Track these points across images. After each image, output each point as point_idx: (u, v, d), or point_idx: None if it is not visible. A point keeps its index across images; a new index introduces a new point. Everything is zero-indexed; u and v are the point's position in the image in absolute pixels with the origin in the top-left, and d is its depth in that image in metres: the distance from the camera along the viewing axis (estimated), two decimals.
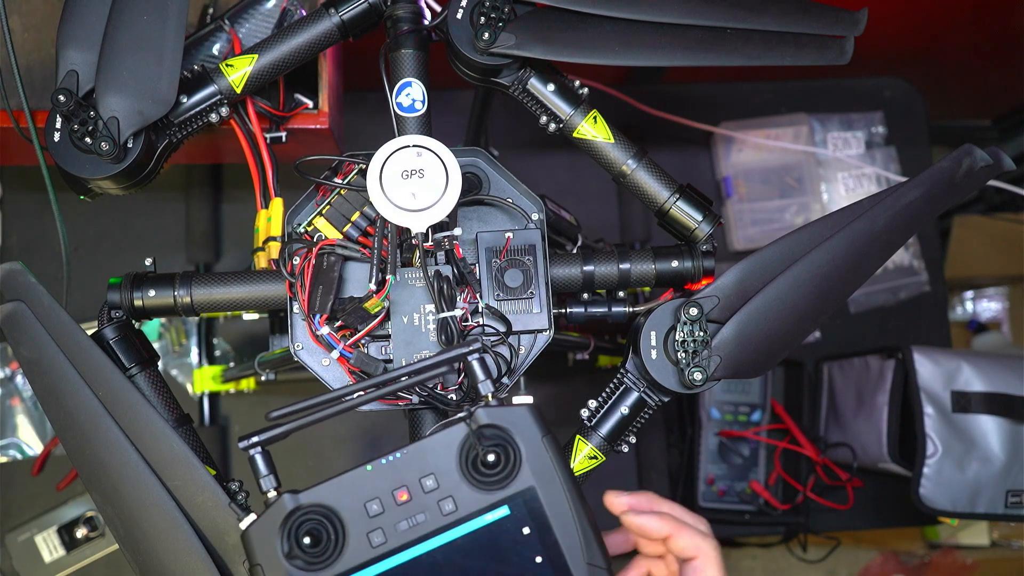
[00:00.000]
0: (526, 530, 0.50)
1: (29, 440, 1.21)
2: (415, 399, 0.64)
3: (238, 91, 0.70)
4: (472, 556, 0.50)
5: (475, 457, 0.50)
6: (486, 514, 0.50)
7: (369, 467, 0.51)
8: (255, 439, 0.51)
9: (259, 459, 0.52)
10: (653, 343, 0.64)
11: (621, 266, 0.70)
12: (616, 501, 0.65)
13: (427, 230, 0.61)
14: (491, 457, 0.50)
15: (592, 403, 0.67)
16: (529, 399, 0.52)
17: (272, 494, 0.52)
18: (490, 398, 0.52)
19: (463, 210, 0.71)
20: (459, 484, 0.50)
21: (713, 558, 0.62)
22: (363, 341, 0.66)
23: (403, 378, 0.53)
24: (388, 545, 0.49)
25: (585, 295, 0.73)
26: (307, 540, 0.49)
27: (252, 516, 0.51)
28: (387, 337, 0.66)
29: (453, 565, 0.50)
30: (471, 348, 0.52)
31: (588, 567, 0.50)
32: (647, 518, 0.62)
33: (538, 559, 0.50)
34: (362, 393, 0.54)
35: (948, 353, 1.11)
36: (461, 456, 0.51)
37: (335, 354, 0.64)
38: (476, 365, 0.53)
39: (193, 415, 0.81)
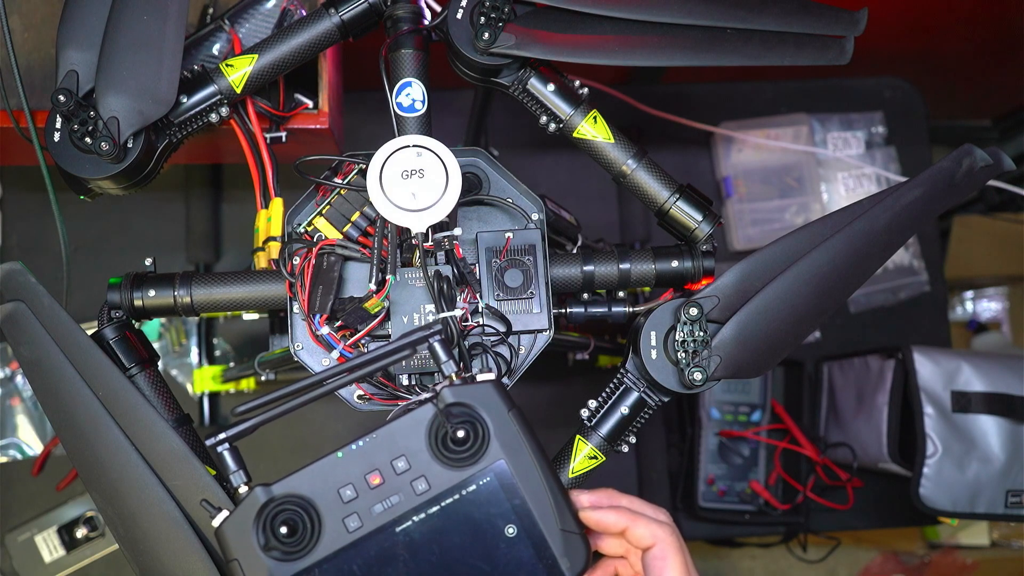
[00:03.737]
0: (499, 502, 0.51)
1: (29, 440, 1.21)
2: (414, 399, 0.64)
3: (238, 91, 0.70)
4: (448, 532, 0.51)
5: (444, 436, 0.51)
6: (459, 490, 0.51)
7: (340, 454, 0.51)
8: (222, 436, 0.51)
9: (227, 455, 0.52)
10: (653, 343, 0.64)
11: (621, 266, 0.70)
12: (577, 499, 0.65)
13: (427, 230, 0.61)
14: (460, 433, 0.50)
15: (592, 403, 0.67)
16: (492, 375, 0.53)
17: (243, 488, 0.52)
18: (454, 378, 0.53)
19: (463, 210, 0.71)
20: (430, 463, 0.51)
21: (671, 543, 0.62)
22: (363, 341, 0.66)
23: (367, 364, 0.54)
24: (364, 529, 0.50)
25: (585, 295, 0.73)
26: (283, 530, 0.49)
27: (224, 512, 0.52)
28: (387, 337, 0.66)
29: (430, 542, 0.51)
30: (432, 331, 0.53)
31: (562, 533, 0.51)
32: (603, 512, 0.63)
33: (513, 530, 0.51)
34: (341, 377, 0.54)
35: (948, 353, 1.11)
36: (430, 436, 0.51)
37: (335, 354, 0.64)
38: (438, 347, 0.53)
39: (193, 415, 0.81)
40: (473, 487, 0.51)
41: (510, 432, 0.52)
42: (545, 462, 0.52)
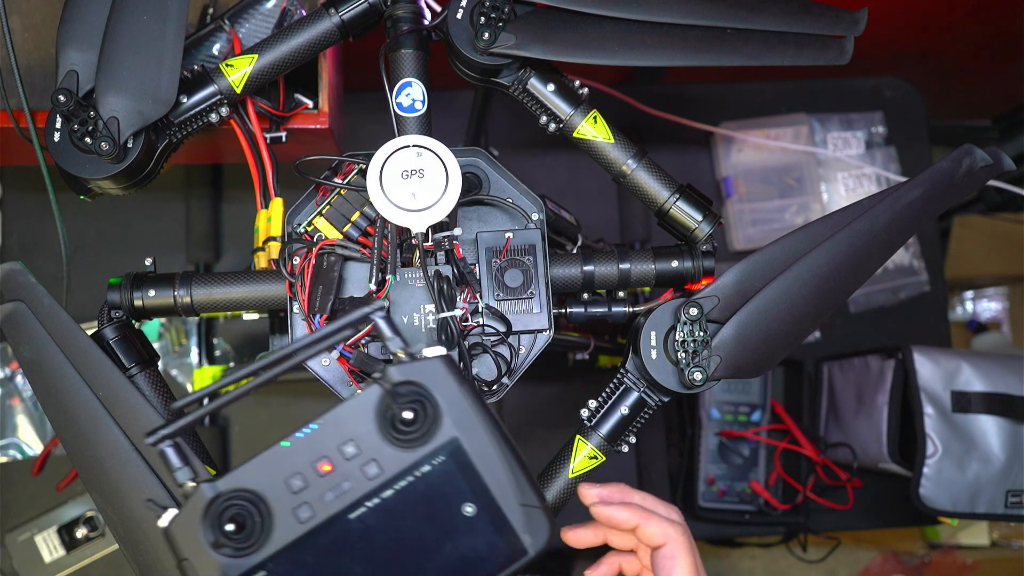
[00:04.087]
0: (455, 481, 0.49)
1: (29, 440, 1.21)
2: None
3: (238, 91, 0.70)
4: (404, 515, 0.49)
5: (393, 417, 0.49)
6: (412, 472, 0.49)
7: (286, 443, 0.49)
8: (161, 432, 0.49)
9: (169, 452, 0.50)
10: (653, 343, 0.64)
11: (621, 266, 0.70)
12: (587, 493, 0.65)
13: (427, 230, 0.61)
14: (408, 414, 0.49)
15: (592, 403, 0.67)
16: (442, 350, 0.51)
17: (190, 485, 0.50)
18: (401, 355, 0.50)
19: (463, 210, 0.71)
20: (381, 446, 0.49)
21: (682, 543, 0.61)
22: (363, 341, 0.66)
23: (305, 349, 0.51)
24: (317, 518, 0.48)
25: (585, 295, 0.73)
26: (231, 527, 0.48)
27: (171, 512, 0.50)
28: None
29: (386, 527, 0.49)
30: (373, 308, 0.50)
31: (522, 508, 0.49)
32: (615, 509, 0.63)
33: (471, 508, 0.49)
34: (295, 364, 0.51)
35: (948, 353, 1.11)
36: (379, 418, 0.49)
37: (335, 354, 0.64)
38: (382, 323, 0.50)
39: None
40: (427, 468, 0.49)
41: (462, 408, 0.49)
42: (501, 436, 0.50)
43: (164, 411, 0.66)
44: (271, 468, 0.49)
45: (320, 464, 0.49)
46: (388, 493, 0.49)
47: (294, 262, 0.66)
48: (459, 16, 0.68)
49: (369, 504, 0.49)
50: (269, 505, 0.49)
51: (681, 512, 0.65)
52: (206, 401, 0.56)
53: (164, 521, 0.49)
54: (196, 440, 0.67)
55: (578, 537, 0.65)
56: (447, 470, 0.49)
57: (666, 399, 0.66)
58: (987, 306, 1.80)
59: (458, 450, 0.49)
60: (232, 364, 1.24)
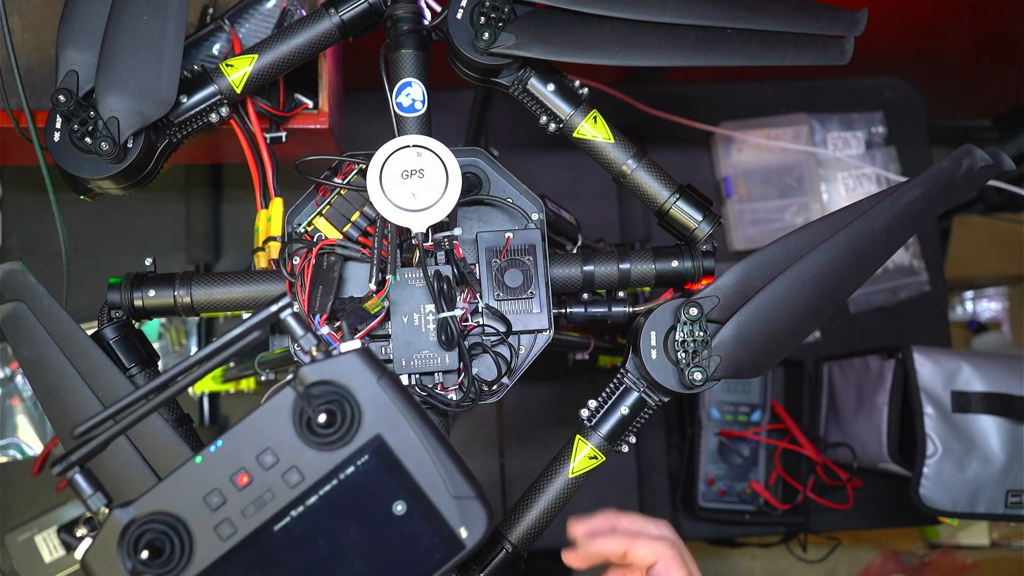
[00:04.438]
0: (382, 480, 0.47)
1: (29, 440, 1.21)
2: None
3: (238, 91, 0.70)
4: (332, 521, 0.47)
5: (310, 419, 0.47)
6: (336, 475, 0.47)
7: (199, 459, 0.47)
8: (68, 460, 0.47)
9: (79, 479, 0.48)
10: (653, 343, 0.64)
11: (621, 266, 0.70)
12: (575, 530, 0.67)
13: (427, 230, 0.61)
14: (323, 418, 0.46)
15: (592, 403, 0.67)
16: (357, 343, 0.48)
17: (104, 511, 0.48)
18: (314, 352, 0.48)
19: (463, 210, 0.71)
20: (301, 451, 0.47)
21: (672, 558, 0.62)
22: (363, 341, 0.66)
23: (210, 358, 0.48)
24: (239, 535, 0.46)
25: (585, 295, 0.73)
26: (146, 553, 0.46)
27: (88, 541, 0.47)
28: (387, 337, 0.66)
29: (315, 535, 0.47)
30: (280, 304, 0.47)
31: (455, 500, 0.47)
32: (602, 541, 0.64)
33: (402, 506, 0.47)
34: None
35: (948, 353, 1.11)
36: (295, 422, 0.47)
37: None
38: (291, 321, 0.48)
39: (193, 415, 0.81)
40: (351, 469, 0.47)
41: (383, 402, 0.47)
42: (427, 427, 0.48)
43: (164, 411, 0.66)
44: (186, 487, 0.47)
45: (238, 477, 0.47)
46: (313, 500, 0.47)
47: (294, 262, 0.66)
48: (459, 16, 0.68)
49: (294, 513, 0.47)
50: (188, 526, 0.47)
51: (671, 525, 0.66)
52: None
53: (80, 552, 0.47)
54: (196, 439, 0.67)
55: (576, 561, 0.66)
56: (373, 469, 0.47)
57: (666, 399, 0.66)
58: (987, 306, 1.80)
59: (382, 447, 0.47)
60: (232, 364, 1.24)
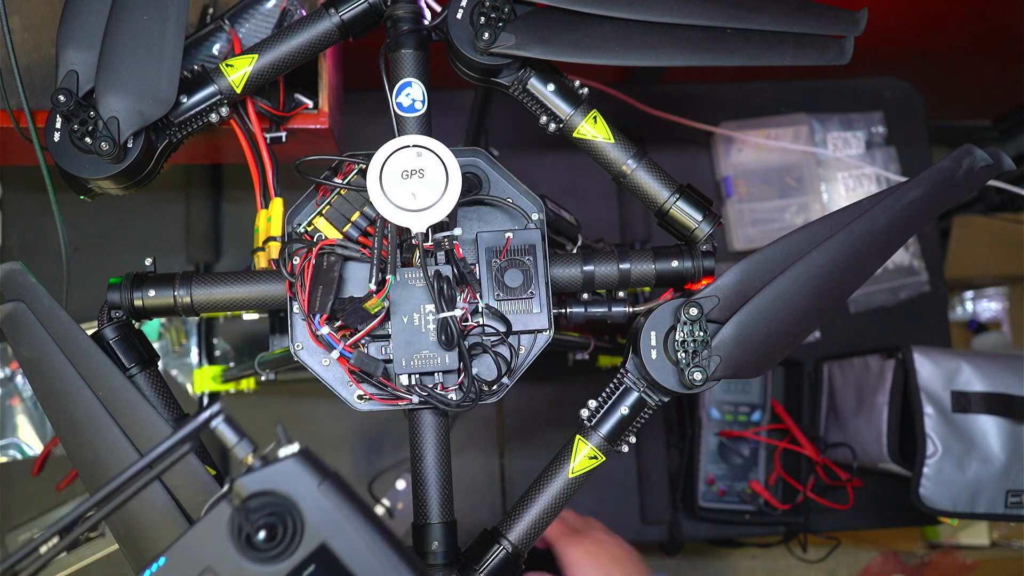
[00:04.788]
0: None
1: (29, 440, 1.21)
2: (415, 399, 0.64)
3: (238, 91, 0.70)
4: None
5: (249, 534, 0.44)
6: None
7: None
8: None
9: None
10: (653, 343, 0.64)
11: (621, 266, 0.70)
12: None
13: (427, 230, 0.61)
14: (261, 534, 0.44)
15: (592, 403, 0.68)
16: (295, 447, 0.46)
17: None
18: (250, 460, 0.46)
19: (463, 210, 0.71)
20: (243, 568, 0.44)
21: (564, 555, 0.70)
22: (363, 341, 0.66)
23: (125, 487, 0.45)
24: None
25: (585, 295, 0.73)
26: None
27: None
28: (387, 337, 0.66)
29: None
30: (210, 414, 0.45)
31: None
32: None
33: None
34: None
35: (948, 353, 1.11)
36: (234, 537, 0.45)
37: (335, 354, 0.64)
38: (225, 429, 0.45)
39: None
40: None
41: (326, 508, 0.45)
42: (373, 529, 0.46)
43: (164, 411, 0.67)
44: None
45: None
46: None
47: (294, 262, 0.66)
48: (459, 16, 0.68)
49: None
50: None
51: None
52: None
53: None
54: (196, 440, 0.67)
55: None
56: None
57: (666, 399, 0.66)
58: (987, 306, 1.80)
59: (328, 555, 0.45)
60: (232, 364, 1.24)
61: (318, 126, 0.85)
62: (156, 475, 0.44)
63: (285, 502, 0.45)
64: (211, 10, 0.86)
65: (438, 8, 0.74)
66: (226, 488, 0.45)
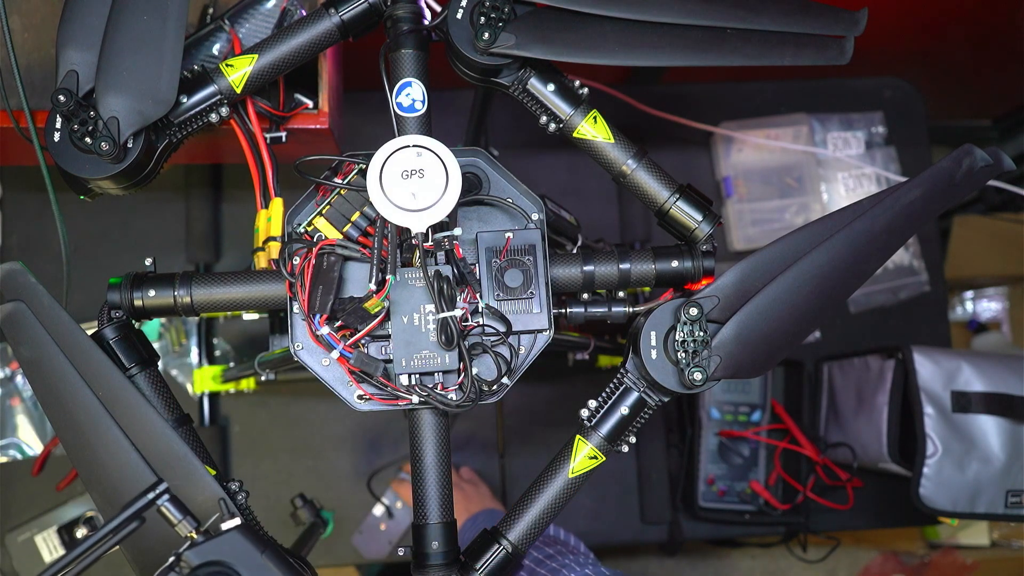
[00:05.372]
0: None
1: (29, 440, 1.21)
2: (415, 399, 0.64)
3: (238, 91, 0.70)
4: None
5: None
6: None
7: None
8: None
9: None
10: (653, 343, 0.64)
11: (621, 266, 0.70)
12: None
13: (427, 230, 0.61)
14: None
15: (592, 403, 0.67)
16: (237, 520, 0.51)
17: None
18: (195, 535, 0.50)
19: (463, 210, 0.71)
20: None
21: None
22: (363, 341, 0.66)
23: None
24: None
25: (585, 295, 0.73)
26: None
27: None
28: (387, 337, 0.66)
29: None
30: (157, 491, 0.49)
31: None
32: None
33: None
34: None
35: (948, 353, 1.11)
36: None
37: (335, 354, 0.64)
38: (169, 508, 0.50)
39: (193, 415, 0.81)
40: None
41: (270, 574, 0.50)
42: None
43: (164, 411, 0.66)
44: None
45: None
46: None
47: (294, 262, 0.66)
48: (459, 16, 0.68)
49: None
50: None
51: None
52: None
53: None
54: (196, 439, 0.67)
55: None
56: None
57: (666, 399, 0.66)
58: (987, 306, 1.80)
59: None
60: (232, 364, 1.24)
61: (318, 126, 0.85)
62: (113, 544, 0.47)
63: (231, 570, 0.49)
64: (211, 10, 0.86)
65: (438, 8, 0.74)
66: (171, 560, 0.49)
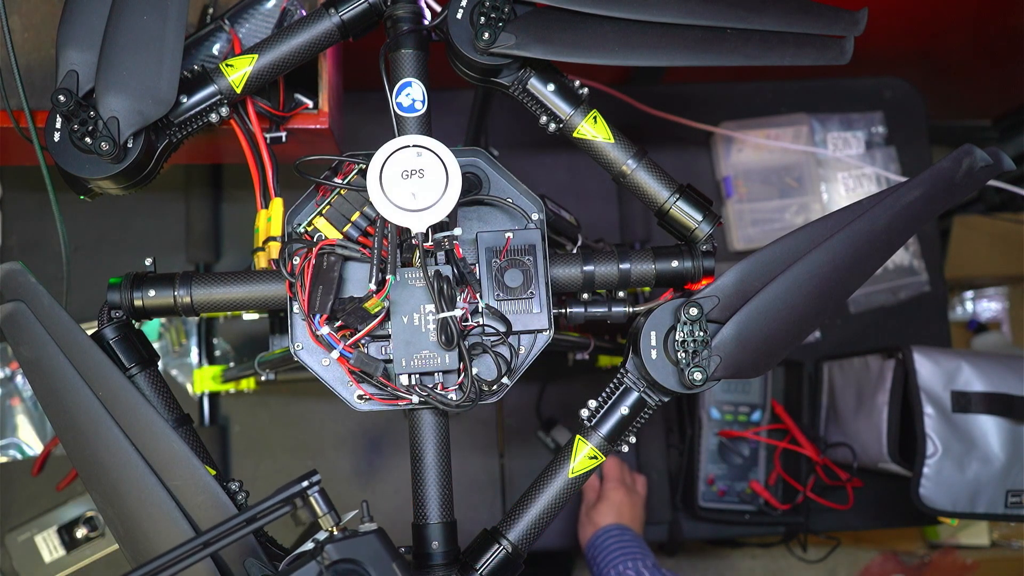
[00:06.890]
0: None
1: (29, 440, 1.21)
2: (415, 399, 0.64)
3: (238, 91, 0.70)
4: None
5: None
6: None
7: None
8: None
9: None
10: (653, 343, 0.64)
11: (621, 266, 0.70)
12: None
13: (427, 230, 0.61)
14: None
15: (592, 403, 0.67)
16: (374, 525, 0.53)
17: None
18: (335, 531, 0.52)
19: (463, 210, 0.71)
20: None
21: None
22: (363, 341, 0.66)
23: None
24: None
25: (585, 295, 0.73)
26: None
27: None
28: (387, 337, 0.66)
29: None
30: (310, 481, 0.51)
31: None
32: None
33: None
34: None
35: (948, 353, 1.11)
36: None
37: (335, 354, 0.64)
38: (318, 500, 0.52)
39: (193, 415, 0.81)
40: None
41: None
42: None
43: (164, 411, 0.67)
44: None
45: None
46: None
47: (294, 262, 0.66)
48: (459, 16, 0.68)
49: None
50: None
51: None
52: None
53: None
54: (196, 439, 0.67)
55: None
56: None
57: (666, 399, 0.66)
58: (987, 306, 1.80)
59: None
60: (232, 364, 1.24)
61: (318, 126, 0.85)
62: (261, 524, 0.50)
63: (363, 571, 0.51)
64: (211, 10, 0.86)
65: (438, 8, 0.74)
66: (313, 548, 0.51)
